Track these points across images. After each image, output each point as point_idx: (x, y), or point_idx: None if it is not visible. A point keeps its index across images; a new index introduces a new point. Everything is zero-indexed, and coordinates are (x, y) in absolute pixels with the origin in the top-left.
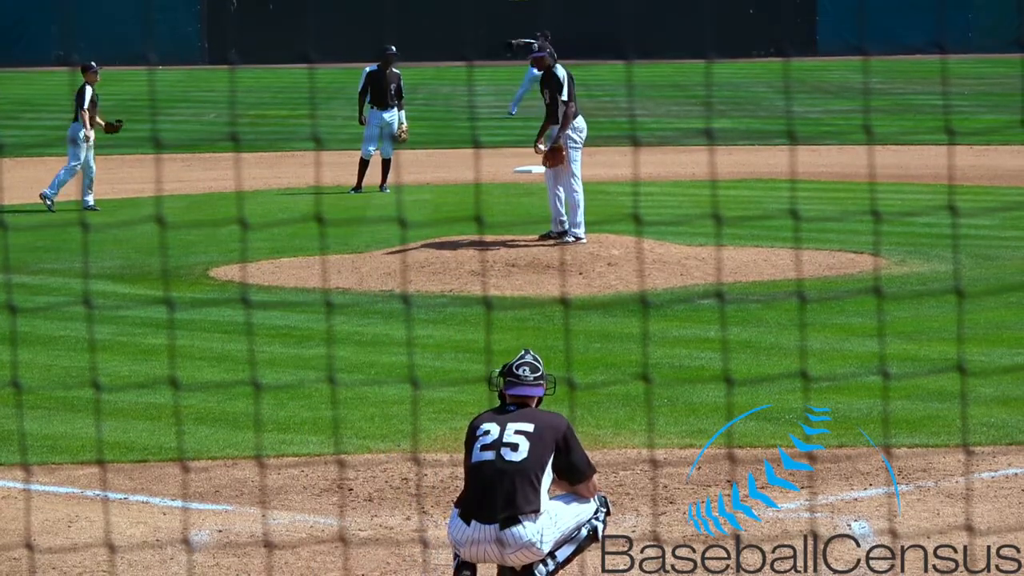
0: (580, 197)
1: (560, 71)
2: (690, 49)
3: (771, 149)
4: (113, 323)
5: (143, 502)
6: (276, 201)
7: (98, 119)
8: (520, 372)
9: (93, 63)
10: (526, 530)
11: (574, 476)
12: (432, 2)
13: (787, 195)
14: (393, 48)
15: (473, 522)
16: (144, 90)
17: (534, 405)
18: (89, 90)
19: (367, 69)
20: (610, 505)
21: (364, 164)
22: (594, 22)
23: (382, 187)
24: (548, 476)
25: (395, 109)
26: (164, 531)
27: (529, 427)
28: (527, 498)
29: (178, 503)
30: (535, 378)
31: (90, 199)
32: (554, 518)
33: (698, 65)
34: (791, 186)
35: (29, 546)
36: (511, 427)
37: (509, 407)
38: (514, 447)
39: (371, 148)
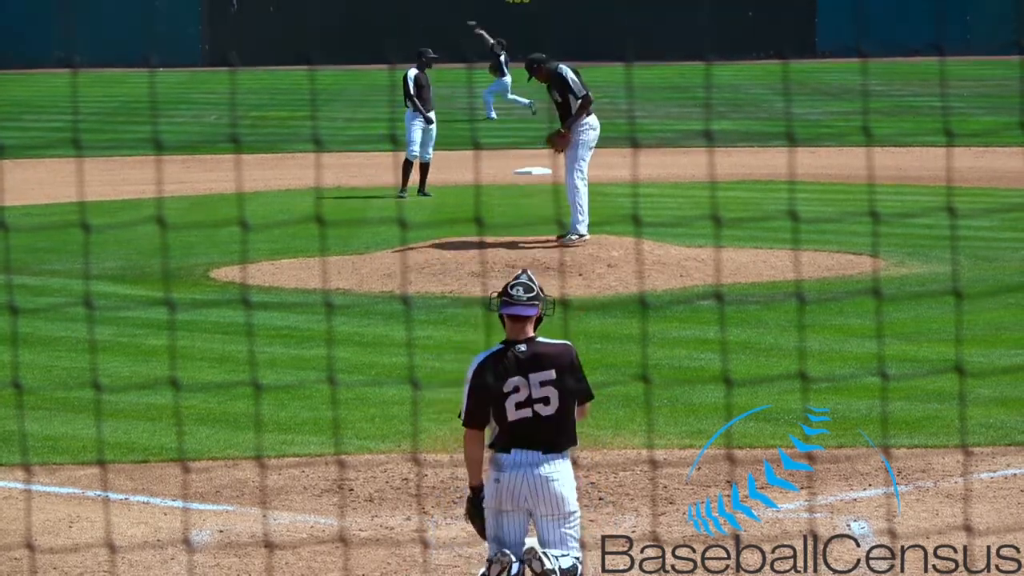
0: (582, 195)
1: (564, 70)
2: (690, 51)
3: (770, 151)
4: (114, 324)
5: (144, 502)
6: (276, 202)
7: None
8: (514, 292)
9: None
10: (564, 461)
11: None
12: (432, 2)
13: (786, 196)
14: (431, 51)
15: (514, 450)
16: (145, 92)
17: (532, 328)
18: None
19: (412, 73)
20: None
21: (408, 166)
22: (593, 23)
23: (421, 191)
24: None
25: (433, 112)
26: (165, 531)
27: (551, 375)
28: (567, 437)
29: (179, 503)
30: (529, 298)
31: None
32: (573, 486)
33: (698, 67)
34: (790, 187)
35: (30, 546)
36: (535, 379)
37: (518, 347)
38: (546, 401)
39: (415, 150)
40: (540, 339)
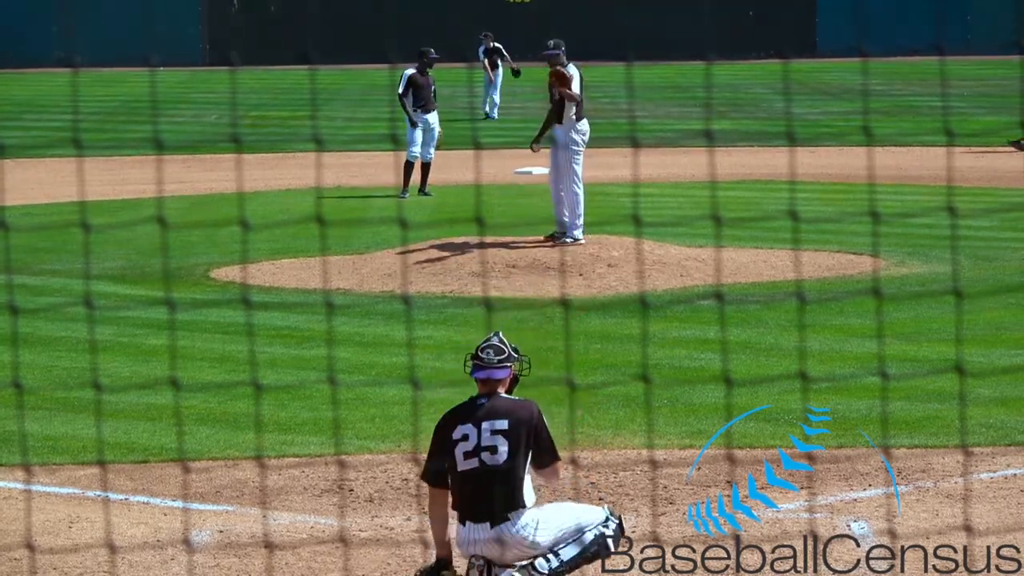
0: (580, 198)
1: (572, 69)
2: (690, 51)
3: (771, 150)
4: (114, 324)
5: (144, 503)
6: (277, 202)
7: None
8: (484, 355)
9: None
10: (517, 523)
11: (538, 461)
12: (432, 3)
13: (786, 196)
14: (432, 51)
15: (468, 523)
16: (145, 91)
17: (504, 388)
18: None
19: (407, 72)
20: (622, 520)
21: (409, 167)
22: (593, 23)
23: (422, 190)
24: (529, 466)
25: (435, 112)
26: (165, 531)
27: (503, 424)
28: (513, 496)
29: (179, 504)
30: (499, 360)
31: None
32: (547, 514)
33: (698, 67)
34: (790, 187)
35: (30, 546)
36: (486, 427)
37: (479, 400)
38: (493, 450)
39: (416, 151)
40: (504, 395)
